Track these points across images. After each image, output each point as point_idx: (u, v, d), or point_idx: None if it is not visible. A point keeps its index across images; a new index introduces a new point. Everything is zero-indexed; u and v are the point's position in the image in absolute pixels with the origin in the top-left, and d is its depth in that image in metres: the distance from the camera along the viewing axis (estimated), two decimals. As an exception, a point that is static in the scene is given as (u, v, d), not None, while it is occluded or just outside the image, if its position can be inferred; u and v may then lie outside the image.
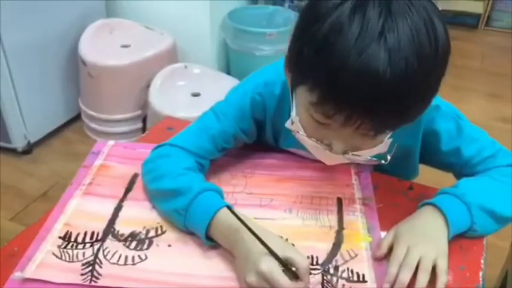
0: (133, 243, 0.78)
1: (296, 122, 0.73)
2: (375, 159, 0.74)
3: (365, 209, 0.85)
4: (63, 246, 0.77)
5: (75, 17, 2.20)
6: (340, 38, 0.61)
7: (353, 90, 0.62)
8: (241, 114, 0.88)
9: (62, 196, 0.87)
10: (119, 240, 0.78)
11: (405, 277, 0.70)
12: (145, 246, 0.77)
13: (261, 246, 0.68)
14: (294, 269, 0.68)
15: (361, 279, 0.72)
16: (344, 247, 0.77)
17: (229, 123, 0.88)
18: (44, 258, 0.74)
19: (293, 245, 0.76)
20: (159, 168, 0.85)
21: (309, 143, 0.74)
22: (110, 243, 0.78)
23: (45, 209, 0.85)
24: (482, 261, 0.76)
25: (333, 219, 0.83)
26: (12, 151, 2.12)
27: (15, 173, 2.05)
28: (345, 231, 0.80)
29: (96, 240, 0.78)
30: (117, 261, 0.75)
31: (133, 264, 0.74)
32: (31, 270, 0.72)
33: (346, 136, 0.69)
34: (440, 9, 0.66)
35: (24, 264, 0.73)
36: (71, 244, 0.77)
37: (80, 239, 0.78)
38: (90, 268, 0.73)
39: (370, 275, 0.73)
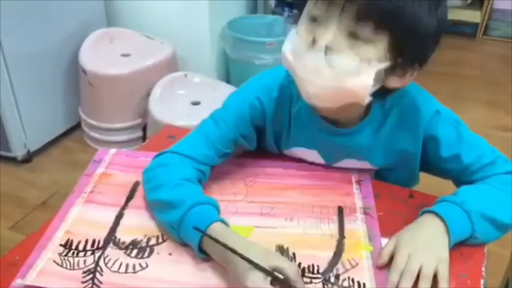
0: (134, 251, 0.78)
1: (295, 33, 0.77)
2: None
3: (366, 218, 0.85)
4: (64, 253, 0.77)
5: (75, 26, 2.21)
6: None
7: None
8: (240, 120, 0.89)
9: (63, 204, 0.87)
10: (120, 248, 0.78)
11: (406, 285, 0.70)
12: (146, 255, 0.77)
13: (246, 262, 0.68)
14: (282, 277, 0.68)
15: None
16: (345, 256, 0.77)
17: (228, 129, 0.88)
18: (45, 266, 0.74)
19: (293, 253, 0.77)
20: (157, 178, 0.85)
21: (297, 48, 0.75)
22: (111, 251, 0.78)
23: (45, 217, 0.85)
24: (483, 269, 0.76)
25: (334, 228, 0.83)
26: (12, 160, 2.12)
27: (15, 181, 2.04)
28: (345, 240, 0.80)
29: (97, 248, 0.78)
30: (118, 269, 0.75)
31: (134, 272, 0.74)
32: (32, 278, 0.72)
33: (331, 25, 0.71)
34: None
35: (25, 271, 0.73)
36: (72, 252, 0.77)
37: (81, 247, 0.78)
38: (91, 276, 0.73)
39: (371, 284, 0.73)
